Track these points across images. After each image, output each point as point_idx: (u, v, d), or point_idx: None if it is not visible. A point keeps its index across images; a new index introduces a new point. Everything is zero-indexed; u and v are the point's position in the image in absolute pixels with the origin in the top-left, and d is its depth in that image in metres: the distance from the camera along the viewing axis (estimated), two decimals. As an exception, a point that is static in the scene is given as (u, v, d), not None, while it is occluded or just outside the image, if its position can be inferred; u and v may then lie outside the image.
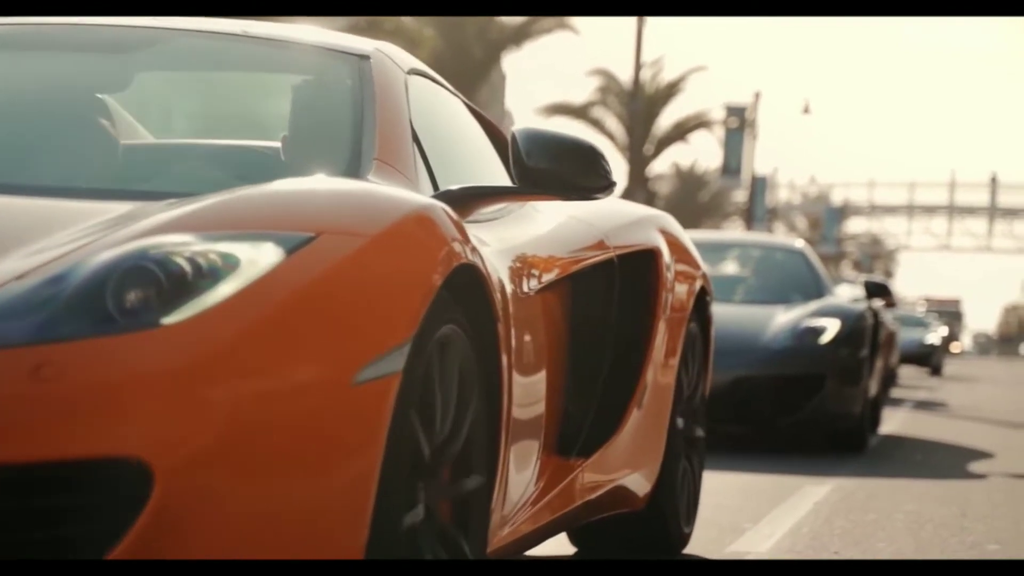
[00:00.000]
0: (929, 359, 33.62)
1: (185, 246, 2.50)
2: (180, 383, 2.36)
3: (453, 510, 2.92)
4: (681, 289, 4.55)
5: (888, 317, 18.81)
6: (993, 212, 78.71)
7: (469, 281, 2.93)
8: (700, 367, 4.87)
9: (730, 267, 11.20)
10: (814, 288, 10.50)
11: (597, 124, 42.84)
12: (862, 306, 10.03)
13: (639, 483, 4.35)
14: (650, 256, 4.40)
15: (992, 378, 33.13)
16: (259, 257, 2.51)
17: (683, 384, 4.61)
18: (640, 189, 37.26)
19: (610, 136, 42.58)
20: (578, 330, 4.00)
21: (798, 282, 10.62)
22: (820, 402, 9.19)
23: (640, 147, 38.94)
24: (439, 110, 4.01)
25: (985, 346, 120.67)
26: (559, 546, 4.67)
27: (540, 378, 3.61)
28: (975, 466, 8.76)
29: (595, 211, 4.32)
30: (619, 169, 38.66)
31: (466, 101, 4.32)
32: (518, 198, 3.63)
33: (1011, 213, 79.13)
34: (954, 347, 68.67)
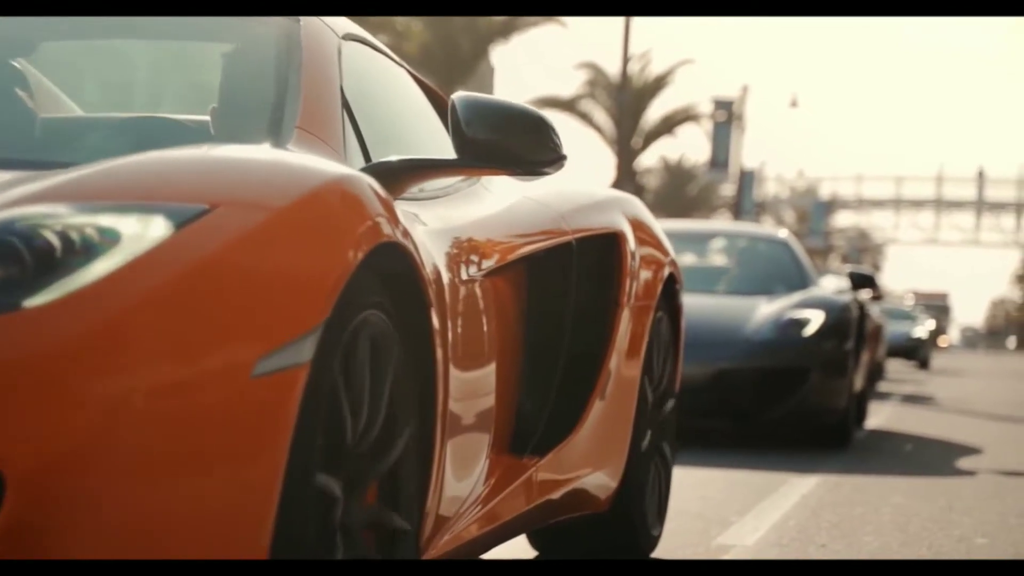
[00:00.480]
0: (916, 353, 33.51)
1: (56, 218, 2.19)
2: (43, 374, 2.05)
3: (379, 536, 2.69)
4: (647, 276, 4.25)
5: (875, 310, 18.76)
6: (980, 206, 78.83)
7: (396, 263, 2.66)
8: (670, 359, 4.57)
9: (713, 257, 11.00)
10: (798, 279, 10.27)
11: (585, 117, 42.85)
12: (847, 297, 9.77)
13: (602, 483, 4.06)
14: (612, 240, 4.10)
15: (980, 371, 33.19)
16: (144, 231, 2.20)
17: (651, 377, 4.33)
18: (628, 183, 37.22)
19: (598, 129, 42.59)
20: (533, 319, 3.74)
21: (782, 273, 10.37)
22: (804, 396, 8.95)
23: (628, 140, 38.91)
24: (378, 78, 3.71)
25: (972, 340, 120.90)
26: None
27: (488, 371, 3.36)
28: (962, 460, 8.73)
29: (552, 191, 4.06)
30: (607, 163, 38.66)
31: (412, 71, 4.01)
32: (457, 172, 3.25)
33: (998, 207, 79.25)
34: (942, 341, 68.75)
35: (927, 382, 23.99)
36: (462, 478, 3.20)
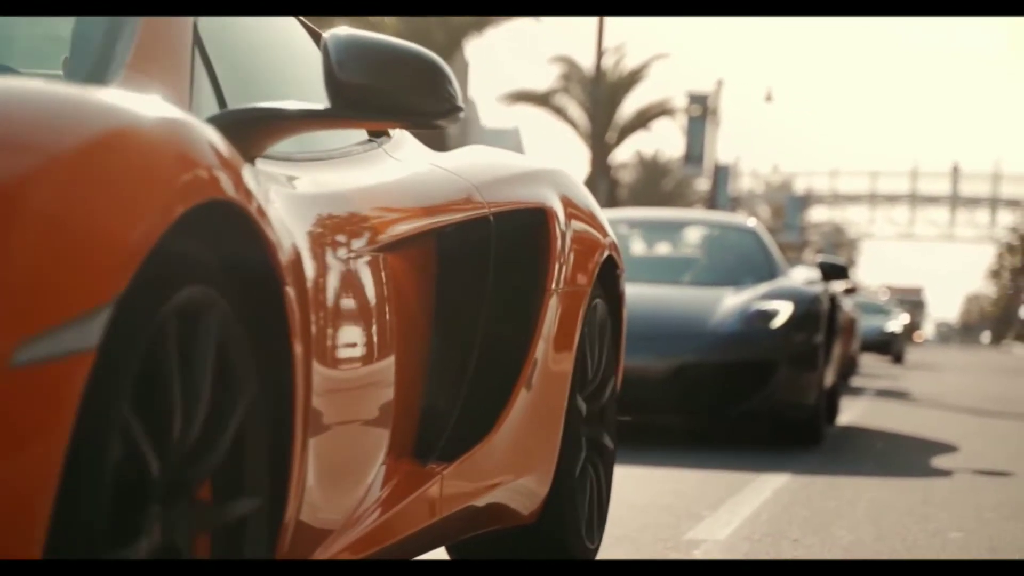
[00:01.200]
0: (890, 347, 33.22)
1: None
2: None
3: (217, 540, 2.24)
4: (580, 259, 3.74)
5: (848, 303, 18.62)
6: (955, 201, 79.05)
7: (235, 227, 2.18)
8: (610, 351, 4.06)
9: (678, 247, 10.67)
10: (766, 270, 9.80)
11: (559, 112, 42.76)
12: (817, 288, 9.28)
13: (527, 491, 3.55)
14: (538, 217, 3.60)
15: (954, 366, 33.19)
16: None
17: (585, 372, 3.84)
18: (602, 177, 37.16)
19: (573, 124, 42.50)
20: (443, 306, 3.25)
21: (750, 263, 9.92)
22: (771, 391, 8.48)
23: (602, 135, 38.84)
24: (252, 22, 3.18)
25: (947, 335, 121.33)
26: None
27: (382, 366, 2.90)
28: (937, 455, 8.66)
29: (468, 161, 3.61)
30: (581, 157, 38.60)
31: (301, 19, 3.51)
32: (326, 123, 2.71)
33: (973, 202, 79.49)
34: (916, 336, 68.90)
35: (901, 377, 23.95)
36: (344, 485, 2.76)
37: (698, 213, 11.90)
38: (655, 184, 60.88)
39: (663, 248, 10.72)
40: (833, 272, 10.03)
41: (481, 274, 3.37)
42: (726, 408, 8.50)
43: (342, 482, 2.76)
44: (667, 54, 44.99)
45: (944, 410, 13.96)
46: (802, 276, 9.74)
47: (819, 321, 8.90)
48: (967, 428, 11.27)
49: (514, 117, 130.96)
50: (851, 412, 12.63)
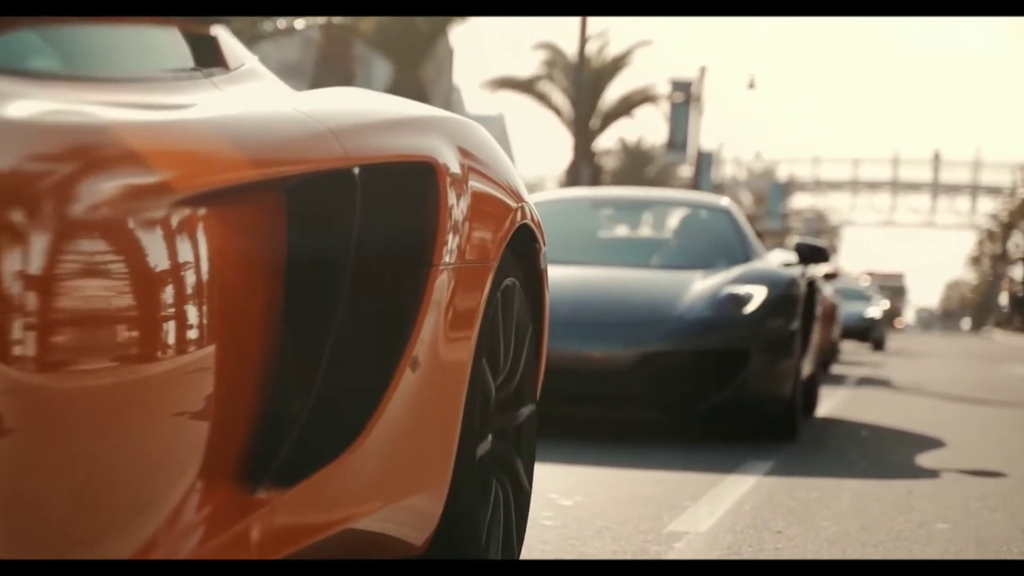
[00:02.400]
0: (871, 333, 32.53)
1: None
2: None
3: None
4: (481, 228, 3.02)
5: (828, 288, 18.39)
6: (936, 188, 79.16)
7: None
8: (528, 344, 3.40)
9: (646, 228, 9.97)
10: (740, 252, 9.16)
11: (543, 99, 42.67)
12: (794, 272, 8.68)
13: (413, 515, 2.82)
14: (423, 173, 2.83)
15: (935, 353, 33.12)
16: None
17: (494, 366, 3.16)
18: (586, 164, 37.08)
19: (556, 111, 42.43)
20: (291, 284, 2.51)
21: (722, 245, 9.27)
22: (744, 382, 7.88)
23: (586, 122, 38.75)
24: None
25: (928, 321, 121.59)
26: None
27: (189, 361, 2.20)
28: (921, 445, 8.58)
29: (331, 102, 2.81)
30: (565, 144, 38.42)
31: None
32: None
33: (953, 189, 79.62)
34: (897, 322, 68.97)
35: (882, 364, 23.88)
36: (114, 517, 2.10)
37: (667, 192, 10.98)
38: (638, 171, 60.81)
39: (629, 229, 10.09)
40: (811, 254, 9.35)
41: (339, 243, 2.60)
42: (695, 400, 7.87)
43: (109, 512, 2.09)
44: (650, 41, 44.91)
45: (927, 398, 13.91)
46: (779, 259, 9.21)
47: (795, 306, 8.32)
48: (951, 417, 11.21)
49: (499, 104, 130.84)
50: (832, 402, 12.42)
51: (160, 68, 2.57)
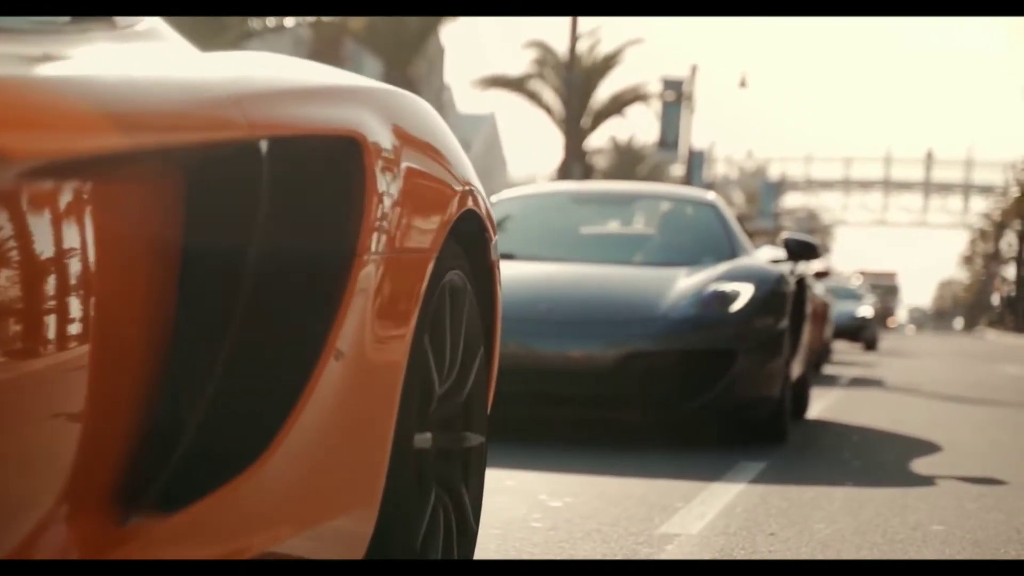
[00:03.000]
0: (862, 333, 31.88)
1: None
2: None
3: None
4: (419, 213, 2.63)
5: (820, 287, 18.19)
6: (928, 187, 79.17)
7: None
8: (473, 343, 3.00)
9: (629, 223, 9.51)
10: (726, 248, 8.79)
11: (534, 97, 42.58)
12: (782, 268, 8.32)
13: (335, 540, 2.46)
14: (346, 150, 2.44)
15: (928, 352, 33.07)
16: None
17: (429, 369, 2.76)
18: (577, 163, 36.99)
19: (547, 109, 42.33)
20: (179, 272, 2.15)
21: (708, 241, 8.88)
22: (730, 383, 7.49)
23: (577, 121, 38.66)
24: None
25: (920, 320, 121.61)
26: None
27: (48, 363, 1.83)
28: (915, 446, 8.49)
29: (240, 66, 2.39)
30: (557, 143, 38.39)
31: None
32: None
33: (946, 188, 79.64)
34: (890, 322, 68.95)
35: (875, 364, 23.81)
36: None
37: (650, 186, 10.50)
38: (630, 170, 60.72)
39: (612, 225, 9.61)
40: (800, 250, 8.93)
41: (242, 228, 2.22)
42: (680, 402, 7.47)
43: None
44: (642, 40, 44.70)
45: (920, 398, 13.83)
46: (767, 256, 8.88)
47: (783, 304, 7.94)
48: (945, 417, 11.13)
49: (491, 103, 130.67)
50: (823, 403, 12.25)
51: (39, 20, 2.23)
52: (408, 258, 2.58)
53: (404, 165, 2.61)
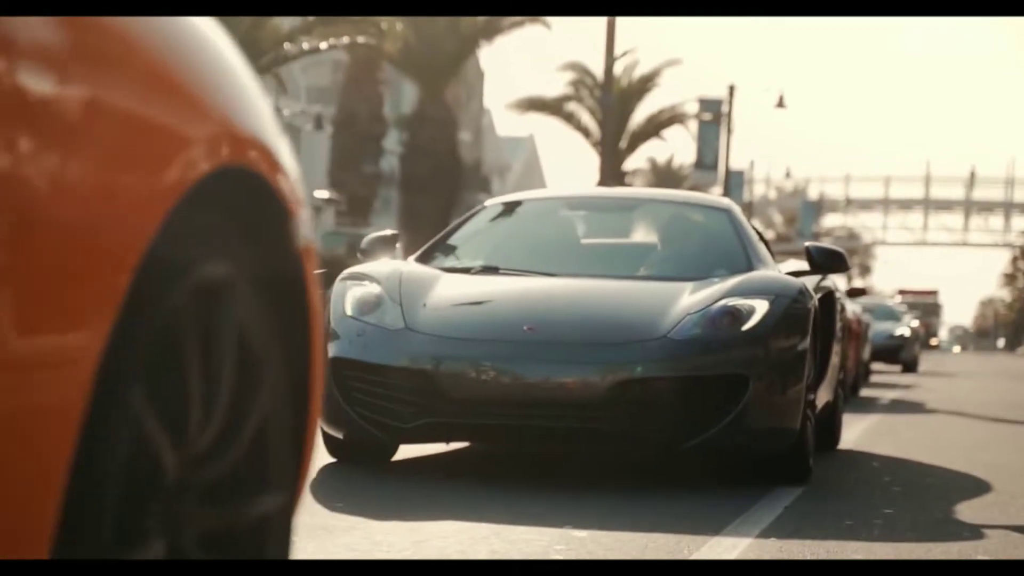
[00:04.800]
0: (899, 353, 29.02)
1: None
2: None
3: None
4: (123, 165, 1.62)
5: (856, 306, 17.62)
6: (969, 206, 78.59)
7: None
8: (254, 370, 1.96)
9: (637, 232, 8.46)
10: (742, 259, 7.65)
11: (570, 119, 42.44)
12: (804, 281, 7.28)
13: None
14: None
15: (971, 372, 32.55)
16: None
17: (164, 416, 1.75)
18: (613, 184, 36.81)
19: (584, 131, 42.17)
20: None
21: (721, 251, 7.79)
22: (741, 414, 6.43)
23: (613, 142, 38.50)
24: None
25: (962, 339, 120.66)
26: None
27: None
28: (962, 491, 7.36)
29: None
30: (595, 164, 38.23)
31: None
32: None
33: (986, 208, 79.05)
34: (932, 341, 68.28)
35: (915, 386, 23.32)
36: None
37: (657, 191, 9.30)
38: (667, 191, 60.57)
39: (610, 234, 8.60)
40: (825, 261, 7.86)
41: None
42: (682, 437, 6.42)
43: None
44: (679, 60, 44.57)
45: (965, 425, 13.50)
46: (789, 268, 7.94)
47: (804, 322, 6.85)
48: (994, 450, 10.84)
49: (531, 126, 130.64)
50: (858, 429, 11.23)
51: None
52: (87, 240, 1.57)
53: (85, 89, 1.57)
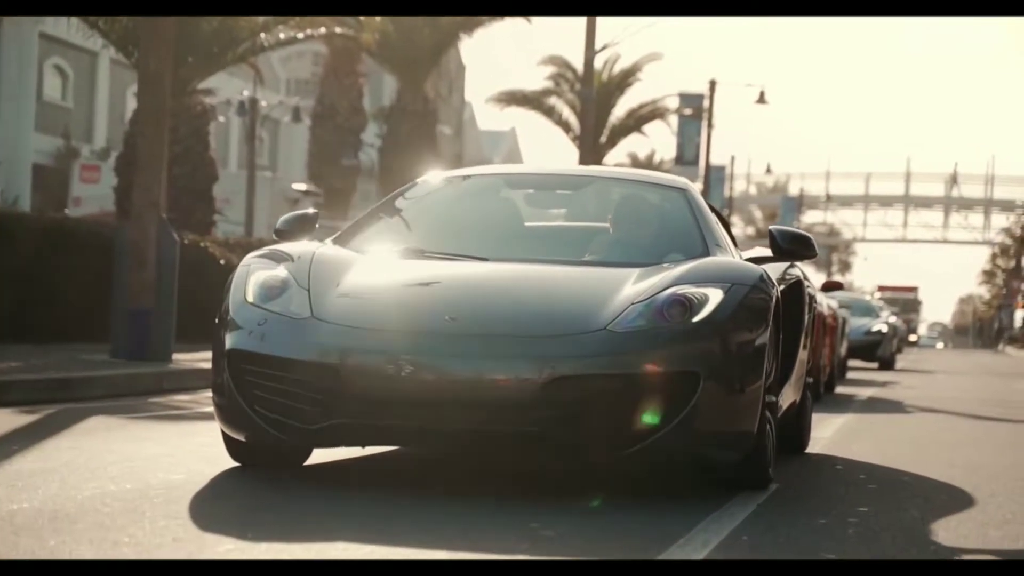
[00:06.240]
0: (876, 350, 28.07)
1: None
2: None
3: None
4: None
5: (832, 301, 17.33)
6: (949, 204, 78.73)
7: None
8: None
9: (584, 212, 7.68)
10: (698, 243, 6.86)
11: (551, 113, 42.29)
12: (767, 268, 6.53)
13: None
14: None
15: (950, 369, 32.46)
16: None
17: None
18: (593, 178, 36.62)
19: (565, 125, 42.04)
20: None
21: (676, 234, 6.99)
22: (690, 416, 5.66)
23: (593, 136, 38.34)
24: None
25: (942, 336, 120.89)
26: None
27: None
28: (944, 504, 6.98)
29: None
30: (572, 158, 38.08)
31: None
32: None
33: (966, 205, 79.19)
34: (911, 337, 68.27)
35: (892, 383, 23.13)
36: None
37: (608, 169, 8.40)
38: (647, 186, 60.44)
39: (554, 215, 7.87)
40: (790, 245, 7.04)
41: None
42: (623, 442, 5.66)
43: None
44: (660, 55, 44.32)
45: (946, 423, 13.36)
46: (750, 255, 7.18)
47: (764, 314, 6.08)
48: (976, 450, 10.71)
49: (512, 119, 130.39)
50: (830, 429, 10.56)
51: None
52: None
53: None
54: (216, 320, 6.14)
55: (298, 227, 6.91)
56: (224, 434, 6.13)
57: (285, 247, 6.46)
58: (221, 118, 37.31)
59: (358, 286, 6.04)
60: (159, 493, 5.37)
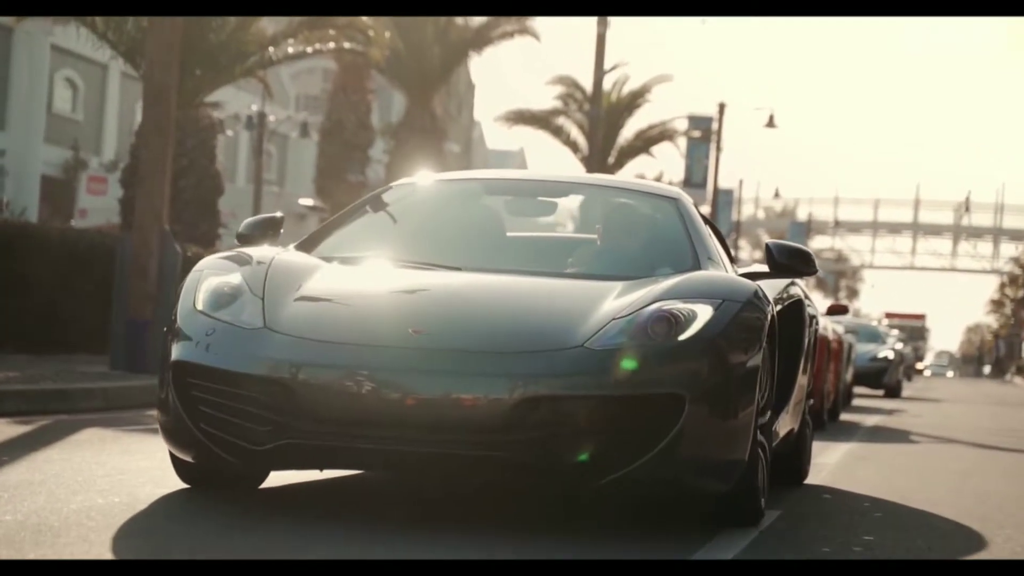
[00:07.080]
0: (881, 377, 27.16)
1: None
2: None
3: None
4: None
5: (839, 326, 17.11)
6: (958, 232, 78.60)
7: None
8: None
9: (570, 222, 7.14)
10: (688, 256, 6.40)
11: (559, 133, 42.23)
12: (761, 285, 6.07)
13: None
14: None
15: (957, 398, 32.24)
16: None
17: None
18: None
19: (573, 145, 41.97)
20: None
21: (665, 247, 6.53)
22: (674, 442, 5.21)
23: (602, 157, 38.26)
24: None
25: (949, 365, 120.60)
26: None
27: None
28: (953, 544, 6.70)
29: None
30: (581, 178, 37.99)
31: None
32: None
33: (975, 234, 79.05)
34: (918, 365, 68.00)
35: (898, 412, 22.94)
36: None
37: (597, 176, 7.85)
38: (655, 208, 60.31)
39: (536, 225, 7.44)
40: (788, 260, 6.52)
41: None
42: (601, 469, 5.20)
43: None
44: (670, 76, 44.19)
45: (953, 451, 13.20)
46: (746, 270, 6.76)
47: (757, 333, 5.62)
48: (984, 479, 10.55)
49: (522, 139, 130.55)
50: (833, 458, 10.21)
51: None
52: None
53: None
54: (164, 330, 5.67)
55: (261, 232, 6.46)
56: (171, 455, 5.66)
57: (243, 251, 6.03)
58: (229, 132, 37.24)
59: (317, 295, 5.60)
60: (146, 507, 5.24)
